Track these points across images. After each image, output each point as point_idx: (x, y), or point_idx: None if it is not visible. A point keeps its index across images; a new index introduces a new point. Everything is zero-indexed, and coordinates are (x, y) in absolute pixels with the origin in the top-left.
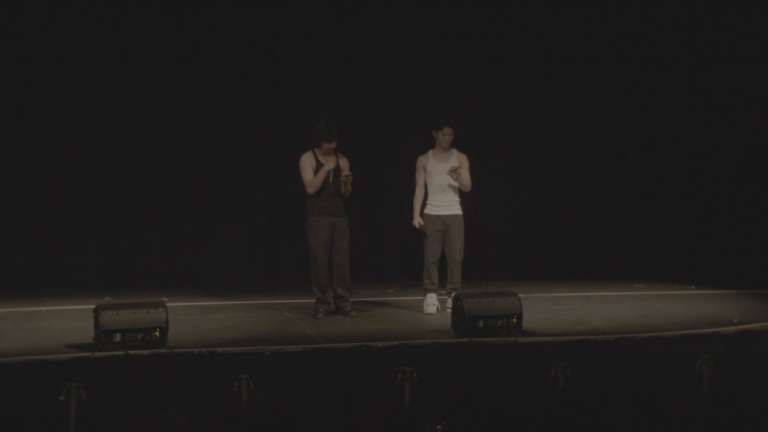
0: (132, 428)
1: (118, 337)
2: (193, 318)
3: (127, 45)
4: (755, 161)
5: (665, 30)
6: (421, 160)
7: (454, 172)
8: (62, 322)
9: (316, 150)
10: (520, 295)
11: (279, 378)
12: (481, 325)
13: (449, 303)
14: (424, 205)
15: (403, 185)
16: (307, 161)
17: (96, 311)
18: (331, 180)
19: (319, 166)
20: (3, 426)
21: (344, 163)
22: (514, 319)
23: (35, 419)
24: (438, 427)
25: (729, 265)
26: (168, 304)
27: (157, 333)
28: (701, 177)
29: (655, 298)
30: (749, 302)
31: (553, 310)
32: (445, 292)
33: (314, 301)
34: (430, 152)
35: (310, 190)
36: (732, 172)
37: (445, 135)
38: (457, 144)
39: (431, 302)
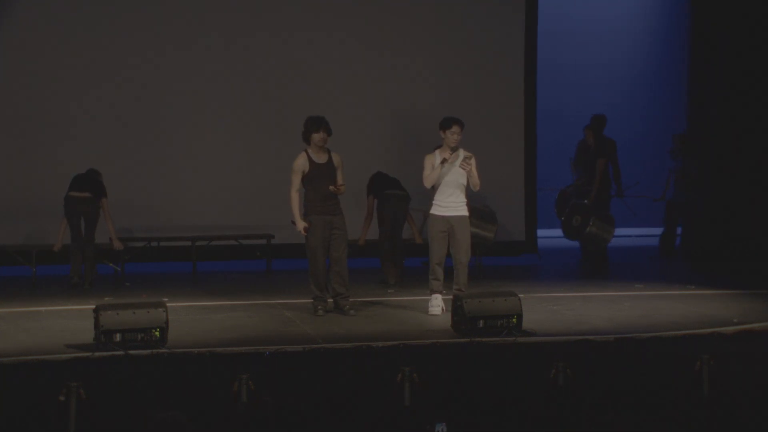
0: (132, 428)
1: (118, 337)
2: (193, 318)
3: None
4: (757, 160)
5: None
6: (429, 159)
7: (466, 162)
8: (62, 322)
9: (309, 149)
10: (520, 295)
11: (279, 378)
12: (481, 325)
13: None
14: (430, 205)
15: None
16: (300, 164)
17: (96, 311)
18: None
19: (313, 165)
20: (3, 426)
21: (337, 159)
22: (514, 319)
23: (35, 419)
24: (438, 427)
25: (729, 265)
26: (168, 304)
27: (157, 333)
28: (702, 177)
29: (655, 298)
30: (749, 302)
31: (553, 310)
32: (451, 293)
33: (312, 299)
34: (437, 152)
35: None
36: (733, 171)
37: (454, 134)
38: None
39: (436, 303)
